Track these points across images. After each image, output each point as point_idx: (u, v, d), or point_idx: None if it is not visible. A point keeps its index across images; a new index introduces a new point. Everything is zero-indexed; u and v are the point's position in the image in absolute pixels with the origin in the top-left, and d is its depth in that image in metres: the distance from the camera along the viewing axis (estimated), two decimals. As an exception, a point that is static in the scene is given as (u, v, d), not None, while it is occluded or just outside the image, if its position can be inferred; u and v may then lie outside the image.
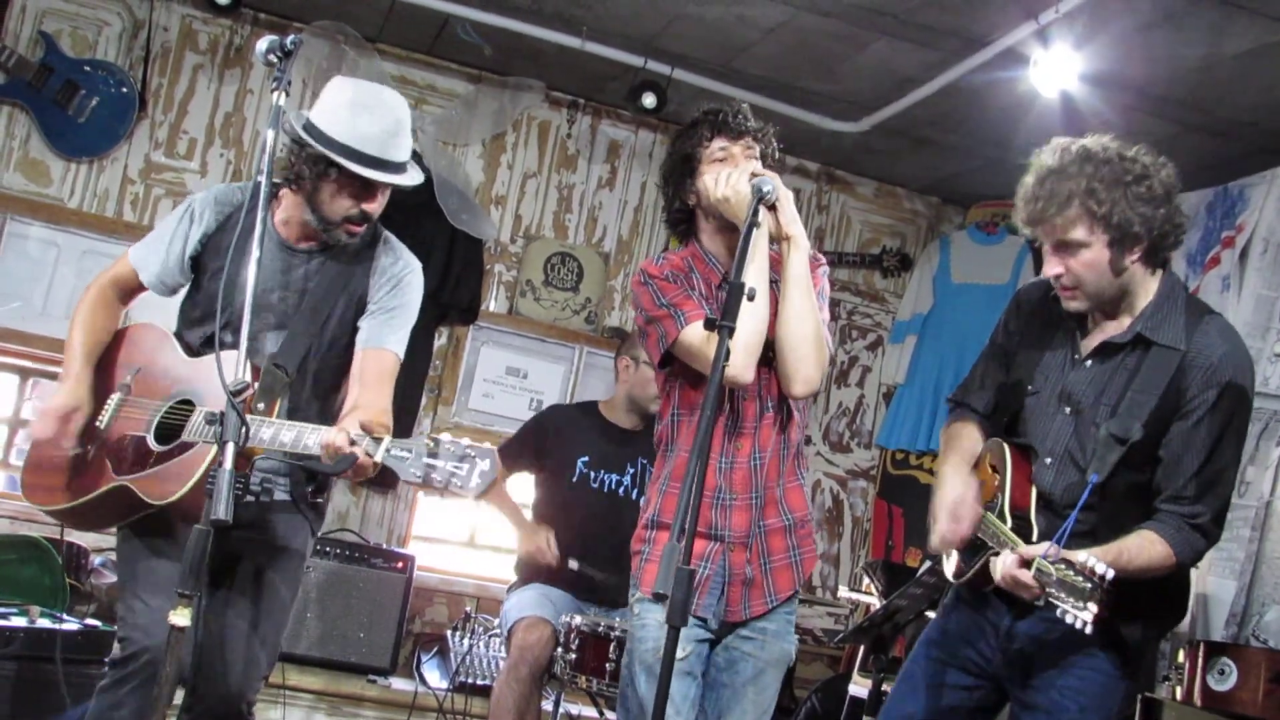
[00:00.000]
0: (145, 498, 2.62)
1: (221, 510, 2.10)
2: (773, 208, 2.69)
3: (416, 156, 5.55)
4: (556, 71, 5.70)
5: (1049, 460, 2.66)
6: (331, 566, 4.97)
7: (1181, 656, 4.15)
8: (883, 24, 4.66)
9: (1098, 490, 2.51)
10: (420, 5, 5.06)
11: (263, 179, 2.37)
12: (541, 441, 4.56)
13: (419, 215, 5.50)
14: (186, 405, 2.73)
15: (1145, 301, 2.59)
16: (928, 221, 6.56)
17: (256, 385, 2.63)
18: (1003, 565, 2.49)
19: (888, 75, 5.11)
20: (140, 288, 2.98)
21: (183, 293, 2.98)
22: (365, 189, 2.77)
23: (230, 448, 2.14)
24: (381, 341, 2.85)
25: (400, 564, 5.12)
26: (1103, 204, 2.47)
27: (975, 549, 2.70)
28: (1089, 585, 2.28)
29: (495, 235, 5.88)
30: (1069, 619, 2.30)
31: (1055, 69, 4.38)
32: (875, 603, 5.02)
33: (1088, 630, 2.28)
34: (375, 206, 2.81)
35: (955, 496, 2.69)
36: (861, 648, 4.86)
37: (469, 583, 5.71)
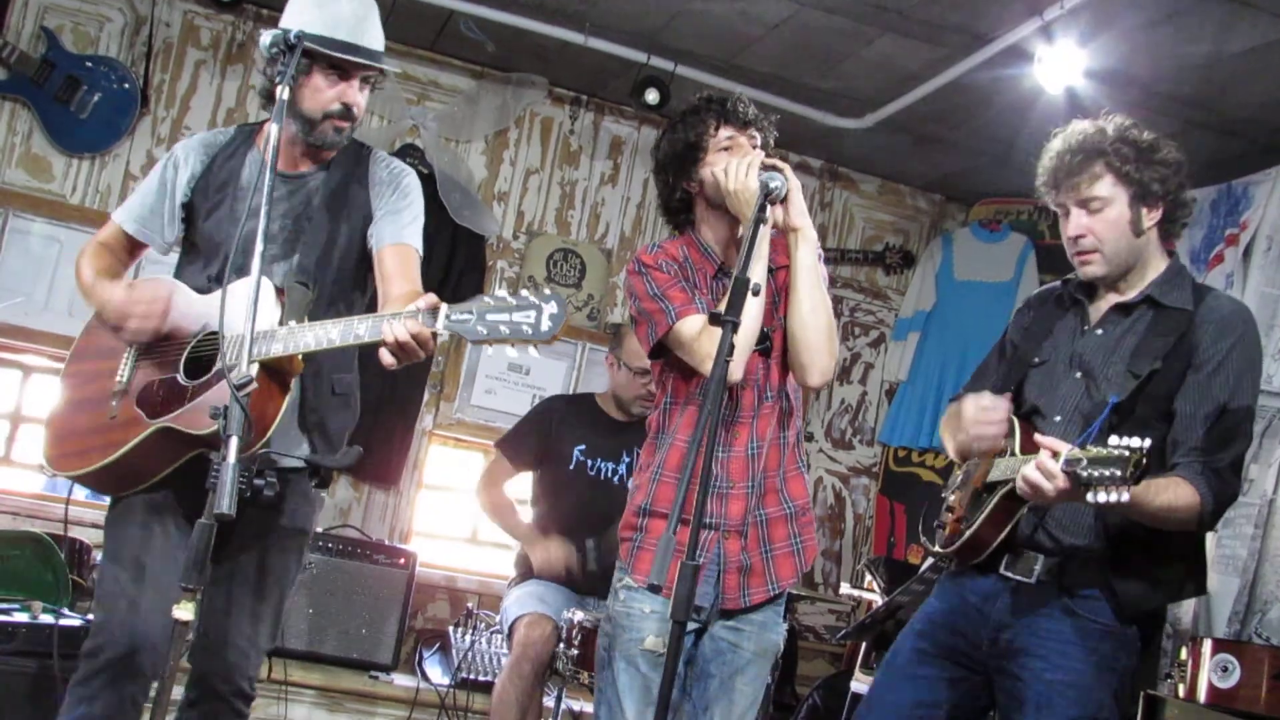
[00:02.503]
0: (190, 431, 2.52)
1: (225, 504, 2.09)
2: (782, 201, 2.68)
3: (418, 150, 5.59)
4: (559, 68, 5.69)
5: (1058, 419, 2.66)
6: (334, 562, 4.97)
7: (1184, 654, 4.15)
8: (887, 20, 4.65)
9: (1115, 418, 2.50)
10: (423, 1, 5.06)
11: (267, 172, 2.36)
12: (545, 432, 4.57)
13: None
14: (214, 337, 2.63)
15: (1155, 275, 2.66)
16: (931, 218, 6.55)
17: (285, 303, 2.60)
18: (1029, 466, 2.41)
19: (891, 72, 5.11)
20: (131, 247, 2.93)
21: (176, 254, 2.93)
22: (344, 78, 2.73)
23: (234, 441, 2.12)
24: (399, 237, 2.81)
25: (402, 560, 5.12)
26: (1126, 161, 2.59)
27: (976, 503, 2.69)
28: (1125, 453, 2.22)
29: (498, 231, 5.88)
30: (1107, 495, 2.24)
31: (1059, 66, 4.38)
32: (877, 600, 5.03)
33: (1125, 499, 2.23)
34: (356, 97, 2.75)
35: (981, 402, 2.66)
36: (863, 645, 4.87)
37: (471, 579, 5.71)
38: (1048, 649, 2.58)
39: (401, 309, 2.42)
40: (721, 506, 2.77)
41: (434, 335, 2.37)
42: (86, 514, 4.86)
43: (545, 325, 2.26)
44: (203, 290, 2.76)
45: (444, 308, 2.36)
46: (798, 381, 2.84)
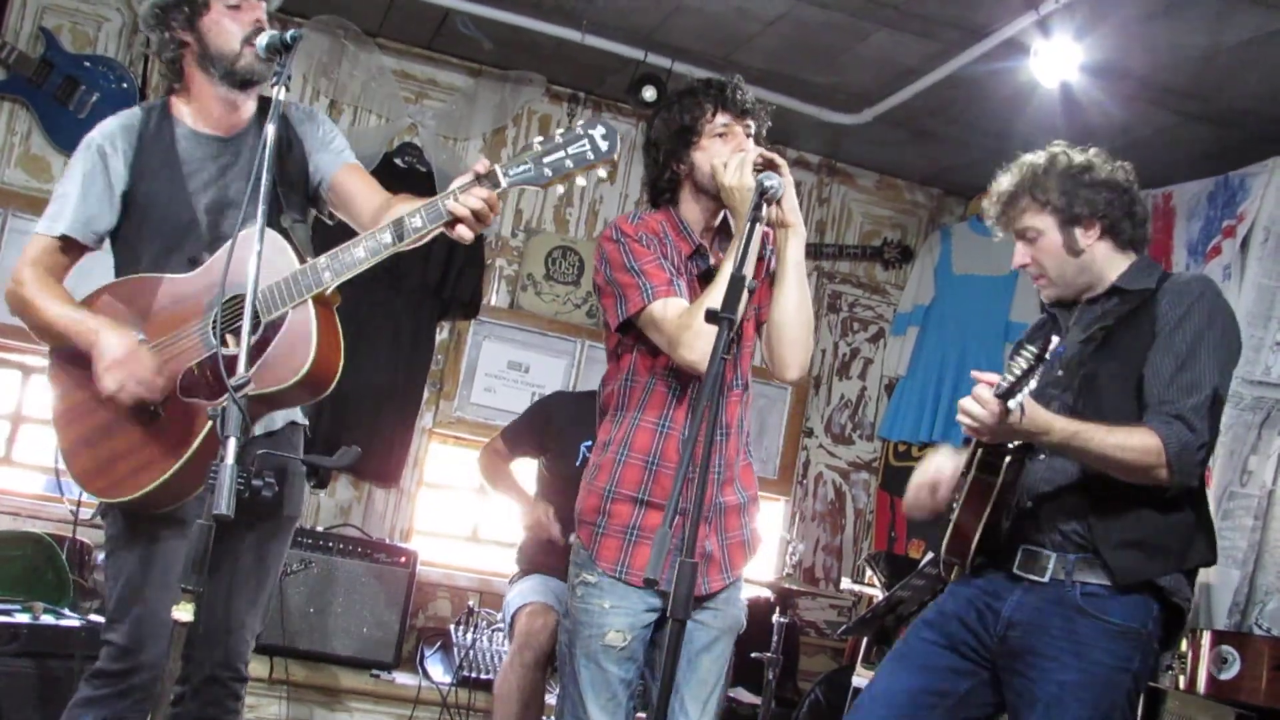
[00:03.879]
0: (275, 387, 2.44)
1: (224, 505, 2.09)
2: (777, 201, 2.69)
3: (416, 149, 5.59)
4: (557, 65, 5.69)
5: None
6: (334, 561, 4.98)
7: (1184, 646, 4.15)
8: (883, 15, 4.65)
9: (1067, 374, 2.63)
10: (420, 0, 5.05)
11: (264, 172, 2.35)
12: (545, 427, 4.58)
13: (420, 210, 5.50)
14: (231, 303, 2.51)
15: (1117, 273, 2.78)
16: (929, 213, 6.55)
17: (295, 244, 2.58)
18: (965, 399, 2.51)
19: (888, 66, 5.11)
20: (72, 258, 2.78)
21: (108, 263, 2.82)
22: (239, 5, 2.68)
23: (232, 442, 2.13)
24: (345, 158, 2.83)
25: (403, 559, 5.13)
26: (1047, 191, 2.75)
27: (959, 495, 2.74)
28: (1030, 352, 2.35)
29: (496, 230, 5.88)
30: (1020, 392, 2.35)
31: (1056, 59, 4.38)
32: (878, 595, 5.03)
33: (1032, 385, 2.34)
34: (257, 14, 2.69)
35: (934, 468, 2.81)
36: (865, 640, 4.88)
37: (472, 577, 5.72)
38: (1060, 649, 2.59)
39: (410, 207, 2.44)
40: (689, 491, 2.72)
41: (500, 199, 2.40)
42: (85, 514, 4.86)
43: (604, 145, 2.31)
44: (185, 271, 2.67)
45: (498, 167, 2.38)
46: (776, 374, 2.85)
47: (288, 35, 2.49)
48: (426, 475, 5.81)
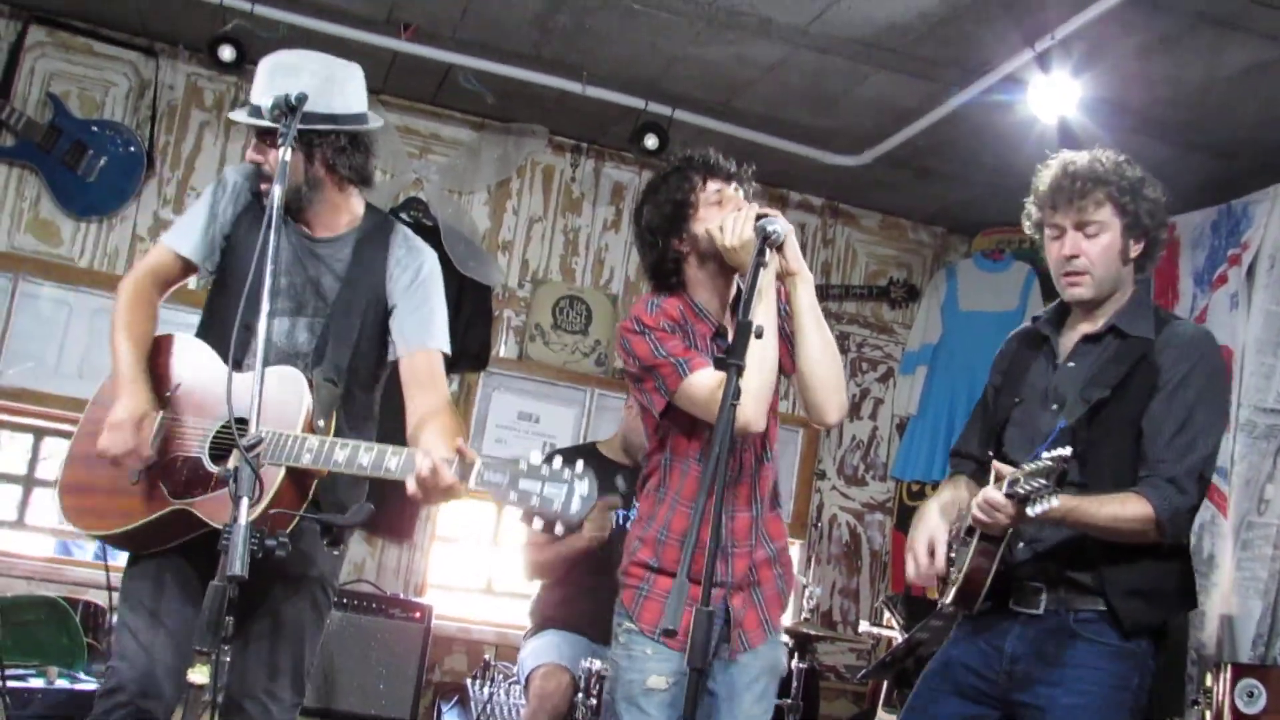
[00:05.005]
0: (210, 521, 2.53)
1: (238, 566, 2.09)
2: (779, 248, 2.69)
3: (421, 203, 5.62)
4: (559, 116, 5.74)
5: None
6: (349, 618, 4.95)
7: (1209, 680, 4.12)
8: (880, 58, 4.69)
9: (1071, 442, 2.60)
10: (422, 56, 5.11)
11: (272, 233, 2.37)
12: None
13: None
14: (241, 424, 2.59)
15: (1120, 304, 2.79)
16: (933, 251, 6.57)
17: (315, 399, 2.60)
18: (976, 500, 2.57)
19: (887, 108, 5.14)
20: (180, 274, 2.88)
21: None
22: (253, 143, 2.76)
23: (244, 503, 2.13)
24: (425, 342, 2.81)
25: (418, 613, 5.10)
26: (1125, 193, 2.72)
27: (962, 550, 2.77)
28: (1049, 462, 2.38)
29: (503, 281, 5.90)
30: (1040, 506, 2.39)
31: (1054, 95, 4.40)
32: (897, 637, 4.99)
33: (1055, 504, 2.38)
34: (257, 157, 2.74)
35: (926, 536, 2.81)
36: (885, 683, 4.83)
37: (488, 630, 5.69)
38: (1062, 674, 2.64)
39: (436, 442, 2.47)
40: (728, 566, 2.82)
41: (465, 489, 2.39)
42: (101, 577, 4.86)
43: (575, 507, 2.26)
44: (241, 341, 2.67)
45: (478, 463, 2.35)
46: (816, 420, 2.85)
47: (293, 96, 2.51)
48: (440, 529, 5.79)
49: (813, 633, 4.70)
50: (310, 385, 2.62)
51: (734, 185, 2.85)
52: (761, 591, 2.86)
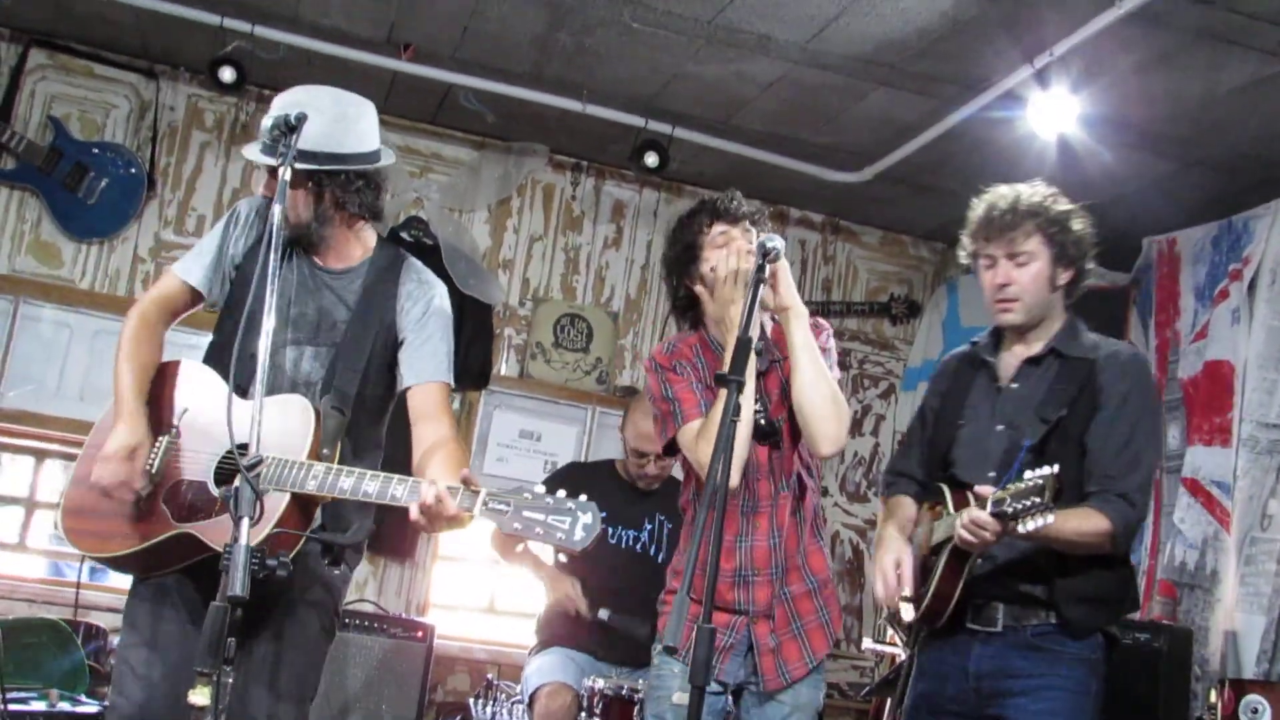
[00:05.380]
0: (213, 545, 2.54)
1: (238, 587, 2.08)
2: (771, 285, 2.81)
3: (422, 222, 5.63)
4: (559, 135, 5.75)
5: (992, 474, 2.83)
6: (351, 637, 4.93)
7: (1213, 696, 4.10)
8: (880, 74, 4.70)
9: (1030, 458, 2.75)
10: (422, 75, 5.12)
11: (272, 253, 2.37)
12: None
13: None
14: (243, 449, 2.61)
15: (1056, 328, 2.95)
16: (934, 267, 6.57)
17: (319, 429, 2.62)
18: (963, 520, 2.64)
19: (887, 124, 5.15)
20: (188, 303, 2.91)
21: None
22: (265, 179, 2.79)
23: (245, 523, 2.12)
24: (434, 374, 2.84)
25: (420, 633, 5.09)
26: (1053, 225, 2.89)
27: (927, 568, 2.87)
28: (1040, 481, 2.49)
29: (504, 299, 5.90)
30: (1034, 522, 2.50)
31: (1053, 111, 4.40)
32: (900, 654, 4.97)
33: (1051, 520, 2.49)
34: (268, 192, 2.76)
35: (893, 558, 2.91)
36: (889, 700, 4.81)
37: (490, 649, 5.67)
38: (1026, 684, 2.75)
39: (441, 472, 2.51)
40: (749, 594, 2.92)
41: (470, 518, 2.42)
42: (102, 598, 4.86)
43: (578, 535, 2.32)
44: (245, 370, 2.67)
45: (483, 493, 2.40)
46: (811, 451, 2.95)
47: (292, 116, 2.51)
48: (442, 549, 5.78)
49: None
50: (317, 415, 2.63)
51: (741, 226, 3.00)
52: (804, 624, 2.95)
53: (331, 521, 2.75)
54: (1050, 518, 2.48)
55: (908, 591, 2.88)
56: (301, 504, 2.56)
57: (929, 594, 2.81)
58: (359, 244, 2.90)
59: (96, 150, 5.37)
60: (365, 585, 5.56)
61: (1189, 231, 5.28)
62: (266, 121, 2.68)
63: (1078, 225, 2.92)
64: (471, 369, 5.68)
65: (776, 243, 2.68)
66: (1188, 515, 5.00)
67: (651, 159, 5.34)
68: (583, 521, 2.32)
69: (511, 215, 6.01)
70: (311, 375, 2.79)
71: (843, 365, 6.38)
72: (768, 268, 2.66)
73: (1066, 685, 2.74)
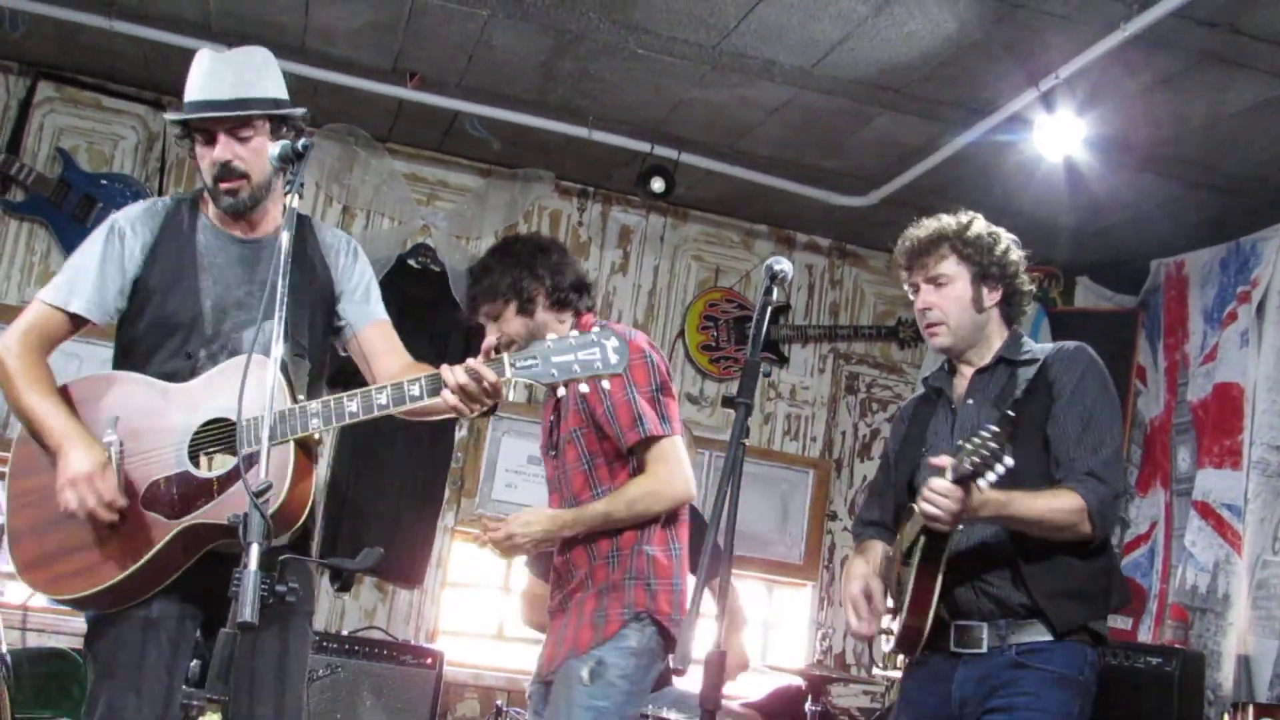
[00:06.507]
0: (227, 523, 2.32)
1: (248, 612, 2.06)
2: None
3: (430, 249, 5.63)
4: (565, 161, 5.77)
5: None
6: (360, 665, 4.92)
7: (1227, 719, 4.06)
8: (885, 99, 4.71)
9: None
10: (428, 104, 5.15)
11: (279, 278, 2.35)
12: None
13: (434, 310, 5.54)
14: (213, 426, 2.55)
15: (998, 345, 2.95)
16: (941, 291, 6.56)
17: (290, 377, 2.58)
18: (924, 495, 2.57)
19: (892, 148, 5.16)
20: (68, 331, 2.76)
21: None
22: (209, 140, 2.69)
23: (255, 549, 2.10)
24: (375, 314, 2.86)
25: (429, 660, 5.07)
26: (968, 246, 2.91)
27: (901, 585, 2.83)
28: (992, 431, 2.45)
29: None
30: (993, 471, 2.44)
31: (1059, 134, 4.41)
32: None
33: (1009, 463, 2.44)
34: (228, 153, 2.68)
35: (860, 586, 2.91)
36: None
37: (499, 675, 5.65)
38: (1011, 703, 2.70)
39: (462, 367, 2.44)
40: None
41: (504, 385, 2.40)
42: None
43: (614, 358, 2.32)
44: (180, 370, 2.66)
45: (506, 356, 2.38)
46: None
47: (299, 144, 2.50)
48: (450, 574, 5.76)
49: (826, 675, 4.66)
50: (283, 365, 2.52)
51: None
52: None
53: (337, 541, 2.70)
54: (1009, 460, 2.44)
55: (883, 624, 2.87)
56: (307, 451, 2.52)
57: (904, 607, 2.77)
58: (276, 207, 2.82)
59: (105, 181, 5.40)
60: (375, 613, 5.54)
61: (1197, 254, 5.28)
62: (195, 86, 2.66)
63: (997, 245, 2.93)
64: (479, 395, 5.67)
65: (783, 265, 2.62)
66: (1199, 538, 4.97)
67: (658, 184, 5.36)
68: (611, 345, 2.32)
69: (518, 242, 6.01)
70: (238, 317, 2.70)
71: (850, 389, 6.37)
72: (774, 290, 2.59)
73: (1049, 706, 2.68)
